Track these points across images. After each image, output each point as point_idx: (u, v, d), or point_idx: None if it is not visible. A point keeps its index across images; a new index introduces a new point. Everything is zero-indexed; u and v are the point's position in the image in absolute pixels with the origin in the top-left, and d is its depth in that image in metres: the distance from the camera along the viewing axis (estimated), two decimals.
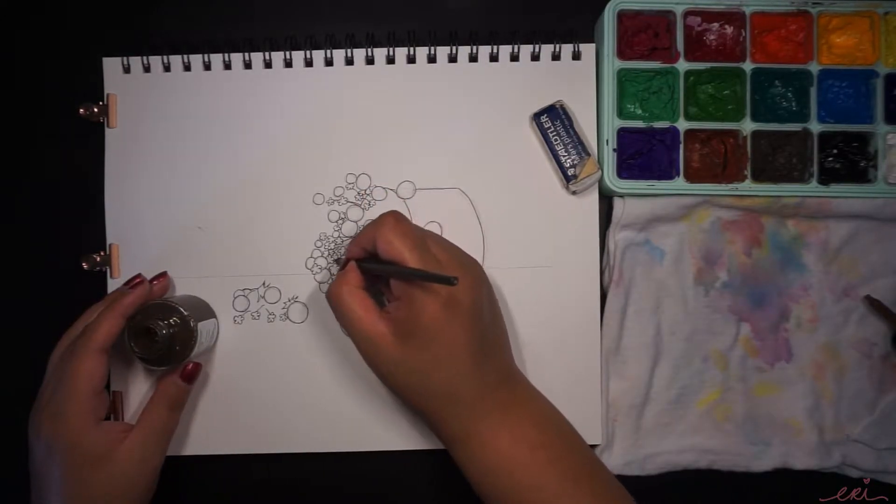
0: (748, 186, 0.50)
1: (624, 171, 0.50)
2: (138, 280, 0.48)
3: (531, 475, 0.41)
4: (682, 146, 0.50)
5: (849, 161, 0.51)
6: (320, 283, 0.51)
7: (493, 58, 0.51)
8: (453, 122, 0.51)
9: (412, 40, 0.51)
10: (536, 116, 0.50)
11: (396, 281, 0.42)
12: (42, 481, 0.44)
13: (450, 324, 0.41)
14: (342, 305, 0.43)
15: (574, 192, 0.51)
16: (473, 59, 0.51)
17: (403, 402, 0.45)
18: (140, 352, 0.46)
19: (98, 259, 0.51)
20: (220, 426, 0.51)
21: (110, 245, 0.51)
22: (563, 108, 0.50)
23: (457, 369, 0.41)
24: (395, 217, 0.43)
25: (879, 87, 0.51)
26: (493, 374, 0.43)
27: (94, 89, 0.51)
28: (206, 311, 0.49)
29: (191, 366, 0.47)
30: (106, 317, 0.45)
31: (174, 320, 0.46)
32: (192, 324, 0.46)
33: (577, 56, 0.51)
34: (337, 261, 0.51)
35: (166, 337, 0.45)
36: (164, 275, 0.50)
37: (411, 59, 0.51)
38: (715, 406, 0.51)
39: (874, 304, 0.50)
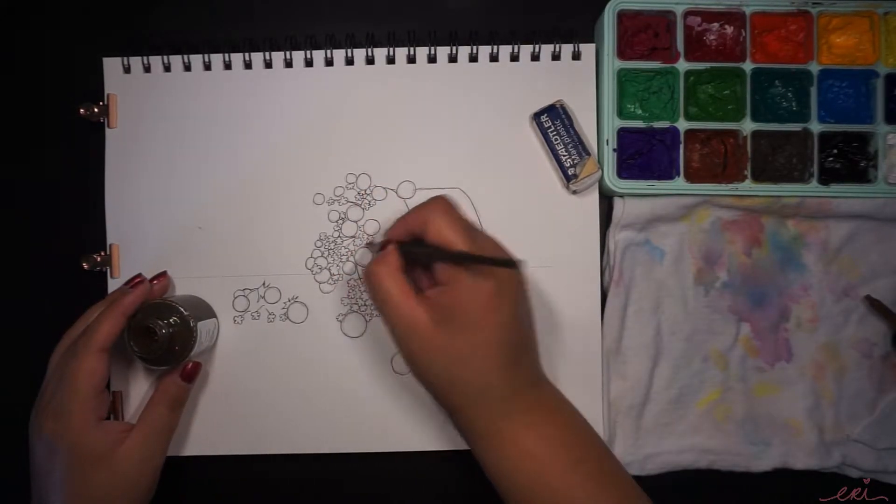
0: (748, 186, 0.50)
1: (624, 171, 0.50)
2: (138, 279, 0.48)
3: (554, 476, 0.41)
4: (682, 146, 0.50)
5: (849, 161, 0.51)
6: (320, 283, 0.51)
7: (493, 58, 0.51)
8: (453, 122, 0.51)
9: (412, 40, 0.51)
10: (536, 116, 0.50)
11: (443, 266, 0.41)
12: (43, 481, 0.44)
13: (496, 313, 0.40)
14: (381, 288, 0.42)
15: (574, 192, 0.51)
16: (473, 59, 0.51)
17: (431, 393, 0.44)
18: (140, 351, 0.46)
19: (98, 259, 0.51)
20: (220, 426, 0.51)
21: (110, 245, 0.51)
22: (563, 107, 0.50)
23: (494, 361, 0.41)
24: (447, 202, 0.42)
25: (879, 87, 0.51)
26: (526, 374, 0.43)
27: (94, 89, 0.51)
28: (206, 311, 0.49)
29: (191, 365, 0.47)
30: (107, 316, 0.45)
31: (174, 320, 0.46)
32: (191, 323, 0.46)
33: (577, 56, 0.51)
34: (370, 244, 0.50)
35: (166, 336, 0.45)
36: (164, 274, 0.50)
37: (411, 59, 0.51)
38: (715, 406, 0.51)
39: (874, 304, 0.50)
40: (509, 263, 0.38)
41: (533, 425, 0.42)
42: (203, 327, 0.47)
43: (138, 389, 0.51)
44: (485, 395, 0.42)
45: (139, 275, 0.49)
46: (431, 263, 0.42)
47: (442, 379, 0.42)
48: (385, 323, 0.42)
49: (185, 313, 0.46)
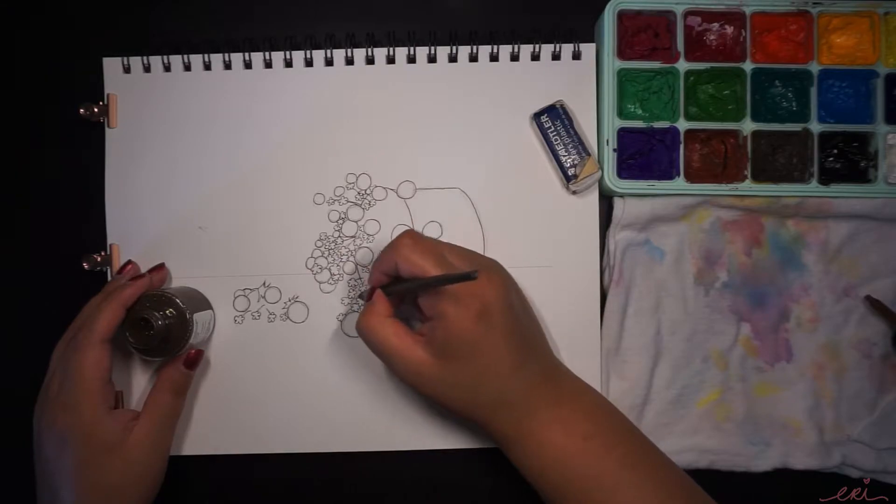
0: (748, 186, 0.50)
1: (624, 171, 0.50)
2: (129, 267, 0.49)
3: (588, 465, 0.41)
4: (682, 146, 0.50)
5: (849, 161, 0.51)
6: (320, 283, 0.51)
7: (493, 58, 0.51)
8: (453, 122, 0.51)
9: (412, 40, 0.51)
10: (536, 116, 0.50)
11: (426, 300, 0.42)
12: (53, 474, 0.44)
13: (488, 333, 0.41)
14: (374, 336, 0.43)
15: (574, 192, 0.51)
16: (473, 59, 0.51)
17: (456, 414, 0.44)
18: (136, 343, 0.46)
19: (98, 259, 0.51)
20: (219, 426, 0.51)
21: (110, 245, 0.51)
22: (563, 107, 0.50)
23: (502, 375, 0.42)
24: (411, 236, 0.43)
25: (879, 87, 0.51)
26: (538, 372, 0.43)
27: (94, 89, 0.51)
28: (202, 303, 0.49)
29: (193, 352, 0.48)
30: (106, 308, 0.45)
31: (170, 311, 0.46)
32: (187, 315, 0.46)
33: (577, 56, 0.51)
34: (361, 295, 0.50)
35: (162, 328, 0.45)
36: (162, 266, 0.50)
37: (411, 59, 0.51)
38: (715, 406, 0.51)
39: (874, 304, 0.50)
40: (466, 277, 0.38)
41: (556, 419, 0.42)
42: (199, 319, 0.48)
43: (137, 383, 0.51)
44: (502, 406, 0.42)
45: (129, 262, 0.49)
46: (414, 298, 0.43)
47: (457, 404, 0.43)
48: (390, 369, 0.43)
49: (182, 305, 0.46)
